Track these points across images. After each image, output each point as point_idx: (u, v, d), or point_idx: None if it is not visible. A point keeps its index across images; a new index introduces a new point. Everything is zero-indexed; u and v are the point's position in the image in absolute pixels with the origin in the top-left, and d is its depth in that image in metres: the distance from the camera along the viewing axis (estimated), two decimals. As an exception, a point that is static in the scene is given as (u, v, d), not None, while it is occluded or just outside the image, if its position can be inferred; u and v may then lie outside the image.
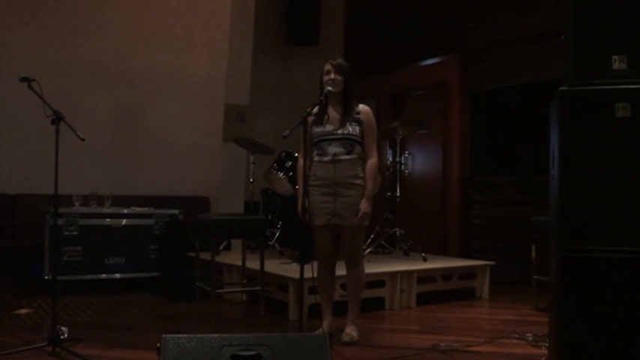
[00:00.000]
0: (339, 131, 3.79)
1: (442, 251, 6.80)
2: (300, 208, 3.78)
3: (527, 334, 4.01)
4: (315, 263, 3.86)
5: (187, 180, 6.97)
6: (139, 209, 5.75)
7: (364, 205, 3.74)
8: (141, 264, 5.59)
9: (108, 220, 5.53)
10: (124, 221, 5.59)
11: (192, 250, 4.90)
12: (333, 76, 3.79)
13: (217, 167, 6.82)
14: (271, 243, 5.84)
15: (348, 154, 3.78)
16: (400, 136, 6.10)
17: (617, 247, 2.46)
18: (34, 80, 3.43)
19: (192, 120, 7.07)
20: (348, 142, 3.78)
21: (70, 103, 5.71)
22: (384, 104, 8.03)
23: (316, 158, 3.84)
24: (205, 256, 4.62)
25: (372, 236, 5.92)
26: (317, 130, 3.83)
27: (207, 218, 4.53)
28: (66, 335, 3.51)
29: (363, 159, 3.84)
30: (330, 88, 3.76)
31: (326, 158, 3.80)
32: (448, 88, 7.31)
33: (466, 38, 7.03)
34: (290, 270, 4.70)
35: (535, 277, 4.96)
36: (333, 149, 3.78)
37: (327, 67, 3.83)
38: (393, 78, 8.03)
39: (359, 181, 3.79)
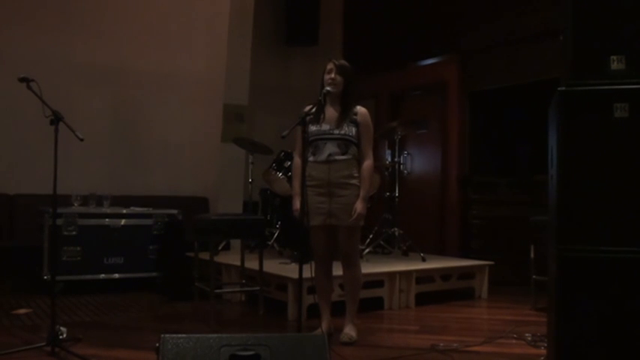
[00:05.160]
0: (336, 131, 3.79)
1: (441, 251, 6.79)
2: (295, 207, 3.79)
3: (526, 334, 4.01)
4: (313, 263, 3.86)
5: (186, 180, 6.96)
6: (138, 209, 5.75)
7: (359, 206, 3.74)
8: (140, 264, 5.59)
9: (107, 220, 5.53)
10: (123, 221, 5.59)
11: (191, 250, 4.90)
12: (333, 75, 3.80)
13: (216, 167, 6.82)
14: (270, 243, 5.83)
15: (343, 154, 3.78)
16: (399, 136, 6.10)
17: (615, 247, 2.46)
18: (33, 81, 3.43)
19: (191, 120, 7.07)
20: (343, 142, 3.78)
21: (69, 103, 5.70)
22: (382, 104, 8.03)
23: (311, 158, 3.82)
24: (204, 256, 4.62)
25: (370, 236, 5.92)
26: (313, 128, 3.82)
27: (206, 218, 4.53)
28: (65, 335, 3.50)
29: (358, 160, 3.84)
30: (329, 88, 3.77)
31: (320, 158, 3.79)
32: (447, 88, 7.30)
33: (465, 38, 7.03)
34: (289, 270, 4.71)
35: (534, 277, 4.96)
36: (328, 149, 3.78)
37: (330, 66, 3.84)
38: (391, 78, 8.02)
39: (354, 181, 3.79)
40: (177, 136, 7.00)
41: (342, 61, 3.91)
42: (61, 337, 3.43)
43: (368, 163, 3.83)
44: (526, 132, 6.55)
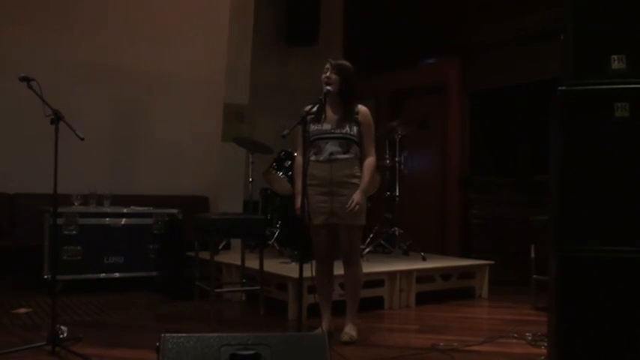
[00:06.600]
0: (337, 131, 3.80)
1: (441, 251, 6.79)
2: (297, 206, 3.79)
3: (527, 334, 4.01)
4: (314, 262, 3.86)
5: (186, 179, 6.96)
6: (138, 208, 5.75)
7: (357, 196, 3.73)
8: (140, 263, 5.59)
9: (107, 219, 5.53)
10: (124, 220, 5.59)
11: (191, 249, 4.90)
12: (328, 74, 3.82)
13: (216, 167, 6.83)
14: (270, 242, 5.83)
15: (344, 153, 3.79)
16: (400, 136, 6.10)
17: (615, 247, 2.47)
18: (33, 80, 3.43)
19: (192, 119, 7.07)
20: (345, 141, 3.79)
21: (70, 102, 5.66)
22: (382, 104, 8.03)
23: (312, 157, 3.83)
24: (204, 255, 4.62)
25: (371, 236, 5.92)
26: (314, 128, 3.83)
27: (207, 218, 4.53)
28: (65, 334, 3.51)
29: (360, 159, 3.85)
30: (328, 87, 3.77)
31: (322, 157, 3.80)
32: (447, 88, 7.30)
33: (465, 38, 7.03)
34: (289, 269, 4.71)
35: (534, 276, 4.97)
36: (329, 148, 3.79)
37: (327, 65, 3.86)
38: (392, 78, 8.02)
39: (355, 180, 3.80)
40: (177, 135, 6.99)
41: (340, 60, 3.93)
42: (61, 336, 3.44)
43: (371, 159, 3.85)
44: (526, 132, 6.55)
